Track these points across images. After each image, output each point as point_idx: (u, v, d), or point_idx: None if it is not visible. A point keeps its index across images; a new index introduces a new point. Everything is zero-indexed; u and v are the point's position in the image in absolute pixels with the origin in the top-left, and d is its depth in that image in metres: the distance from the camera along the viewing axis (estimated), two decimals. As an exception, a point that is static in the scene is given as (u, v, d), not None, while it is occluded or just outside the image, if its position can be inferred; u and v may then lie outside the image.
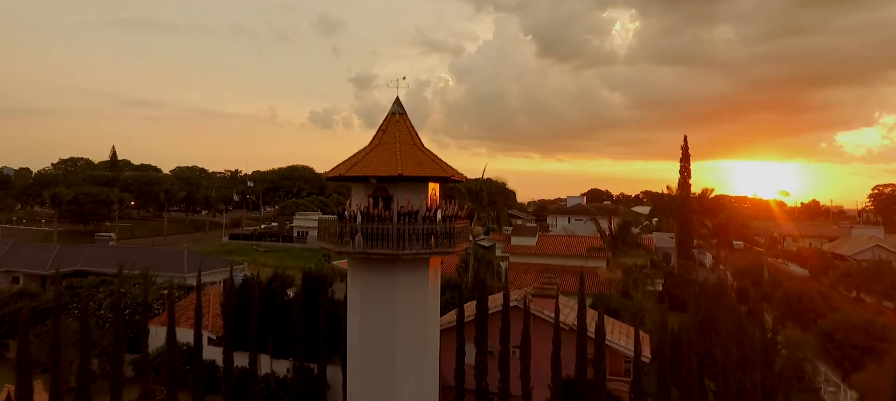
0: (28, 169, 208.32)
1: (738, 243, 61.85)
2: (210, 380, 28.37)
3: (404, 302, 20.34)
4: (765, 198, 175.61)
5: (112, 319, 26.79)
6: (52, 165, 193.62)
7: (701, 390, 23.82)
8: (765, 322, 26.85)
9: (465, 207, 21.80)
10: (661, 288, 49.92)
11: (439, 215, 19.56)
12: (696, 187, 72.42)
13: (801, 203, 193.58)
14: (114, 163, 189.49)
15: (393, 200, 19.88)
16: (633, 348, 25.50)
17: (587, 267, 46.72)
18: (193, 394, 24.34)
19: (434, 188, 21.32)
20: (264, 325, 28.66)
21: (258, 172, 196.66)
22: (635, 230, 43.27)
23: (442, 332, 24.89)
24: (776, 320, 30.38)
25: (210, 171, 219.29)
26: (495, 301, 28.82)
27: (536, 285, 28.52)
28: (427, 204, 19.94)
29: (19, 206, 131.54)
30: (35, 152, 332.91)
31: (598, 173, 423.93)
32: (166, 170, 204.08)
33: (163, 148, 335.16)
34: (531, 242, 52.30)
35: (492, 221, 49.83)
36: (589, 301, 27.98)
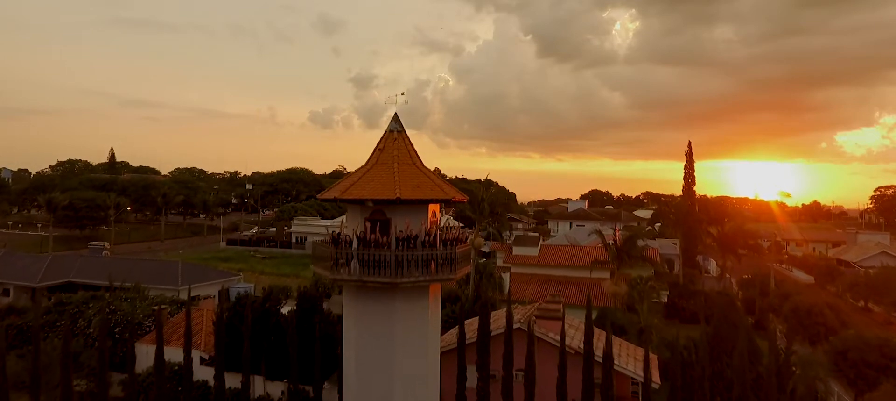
0: (27, 170, 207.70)
1: (743, 251, 60.75)
2: (201, 402, 27.31)
3: (403, 331, 19.27)
4: (766, 199, 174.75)
5: (97, 338, 25.82)
6: (50, 167, 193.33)
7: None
8: (777, 339, 25.79)
9: (465, 236, 20.68)
10: (666, 299, 48.91)
11: (439, 241, 18.47)
12: (699, 190, 71.69)
13: (802, 204, 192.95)
14: (112, 165, 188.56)
15: (390, 223, 18.79)
16: (641, 373, 24.50)
17: (591, 278, 45.74)
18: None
19: (434, 210, 20.25)
20: (258, 345, 27.76)
21: (258, 173, 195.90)
22: (641, 243, 42.11)
23: (442, 354, 23.87)
24: (787, 336, 29.46)
25: (209, 172, 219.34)
26: (498, 320, 27.80)
27: (541, 306, 27.44)
28: (427, 228, 18.86)
29: (15, 210, 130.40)
30: (34, 153, 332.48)
31: (598, 173, 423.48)
32: (165, 171, 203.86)
33: (162, 148, 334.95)
34: (533, 252, 51.26)
35: (494, 231, 48.75)
36: (594, 315, 26.96)
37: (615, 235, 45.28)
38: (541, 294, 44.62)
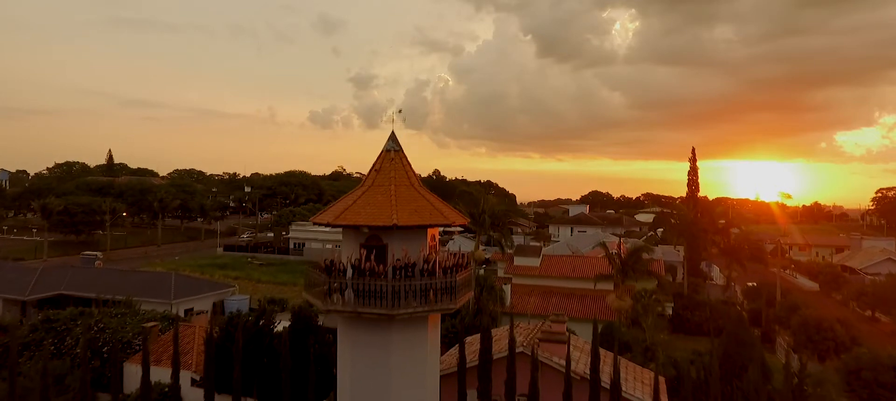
0: (25, 172, 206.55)
1: (749, 262, 59.84)
2: (191, 428, 26.25)
3: (400, 360, 18.22)
4: (766, 200, 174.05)
5: (80, 359, 24.96)
6: (48, 169, 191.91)
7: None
8: (790, 358, 24.73)
9: (465, 262, 19.53)
10: (671, 311, 47.88)
11: (439, 268, 17.42)
12: (700, 192, 70.58)
13: (803, 205, 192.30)
14: (110, 167, 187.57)
15: (387, 249, 17.76)
16: (650, 399, 23.47)
17: (595, 290, 44.69)
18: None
19: (434, 234, 19.21)
20: (250, 366, 26.74)
21: (256, 175, 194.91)
22: (646, 256, 41.08)
23: (441, 377, 22.87)
24: (796, 351, 28.47)
25: (208, 173, 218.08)
26: (499, 341, 26.79)
27: (544, 329, 26.41)
28: (425, 254, 17.80)
29: (12, 213, 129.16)
30: (34, 153, 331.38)
31: (598, 173, 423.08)
32: (164, 173, 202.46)
33: (162, 149, 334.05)
34: (535, 262, 50.21)
35: (495, 237, 47.64)
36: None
37: (619, 247, 44.21)
38: (543, 307, 43.60)
